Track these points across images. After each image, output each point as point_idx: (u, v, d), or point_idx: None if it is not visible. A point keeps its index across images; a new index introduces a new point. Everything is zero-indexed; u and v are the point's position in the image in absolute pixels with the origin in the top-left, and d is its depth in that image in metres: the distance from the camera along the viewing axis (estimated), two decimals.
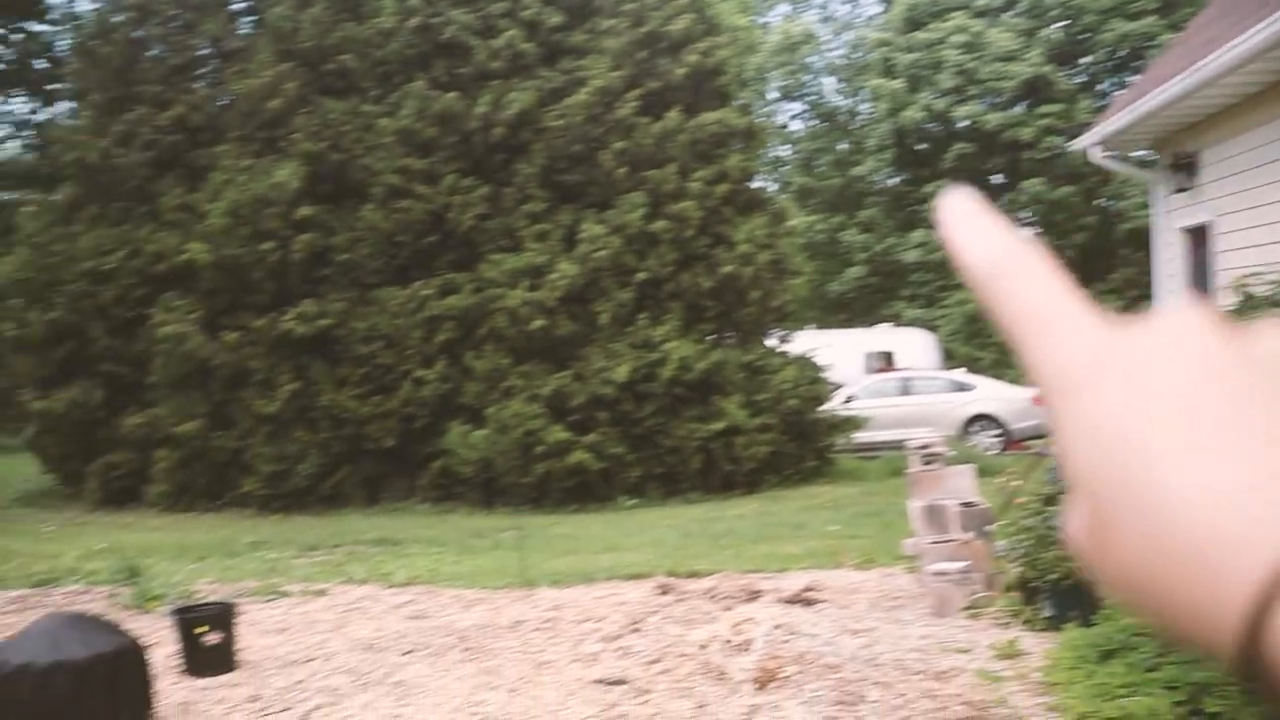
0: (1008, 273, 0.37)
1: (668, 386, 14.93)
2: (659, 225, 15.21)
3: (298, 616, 7.54)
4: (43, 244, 16.62)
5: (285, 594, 8.29)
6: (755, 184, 17.96)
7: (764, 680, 5.10)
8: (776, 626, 5.59)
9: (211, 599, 7.37)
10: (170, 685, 5.71)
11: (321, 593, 8.34)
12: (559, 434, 14.37)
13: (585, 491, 14.61)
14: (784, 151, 37.13)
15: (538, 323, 14.65)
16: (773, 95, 35.56)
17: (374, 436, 15.02)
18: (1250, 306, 4.61)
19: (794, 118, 36.90)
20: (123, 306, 15.90)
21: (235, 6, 17.69)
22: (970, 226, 0.39)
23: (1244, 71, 6.92)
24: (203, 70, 17.46)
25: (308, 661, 6.18)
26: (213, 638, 5.98)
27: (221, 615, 6.12)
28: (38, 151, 35.77)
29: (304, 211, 15.30)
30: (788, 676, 5.10)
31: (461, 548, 11.05)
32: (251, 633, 6.76)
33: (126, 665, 5.09)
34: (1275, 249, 6.96)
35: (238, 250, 15.11)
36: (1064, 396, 0.35)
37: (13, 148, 37.99)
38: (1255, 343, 0.34)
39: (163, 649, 5.98)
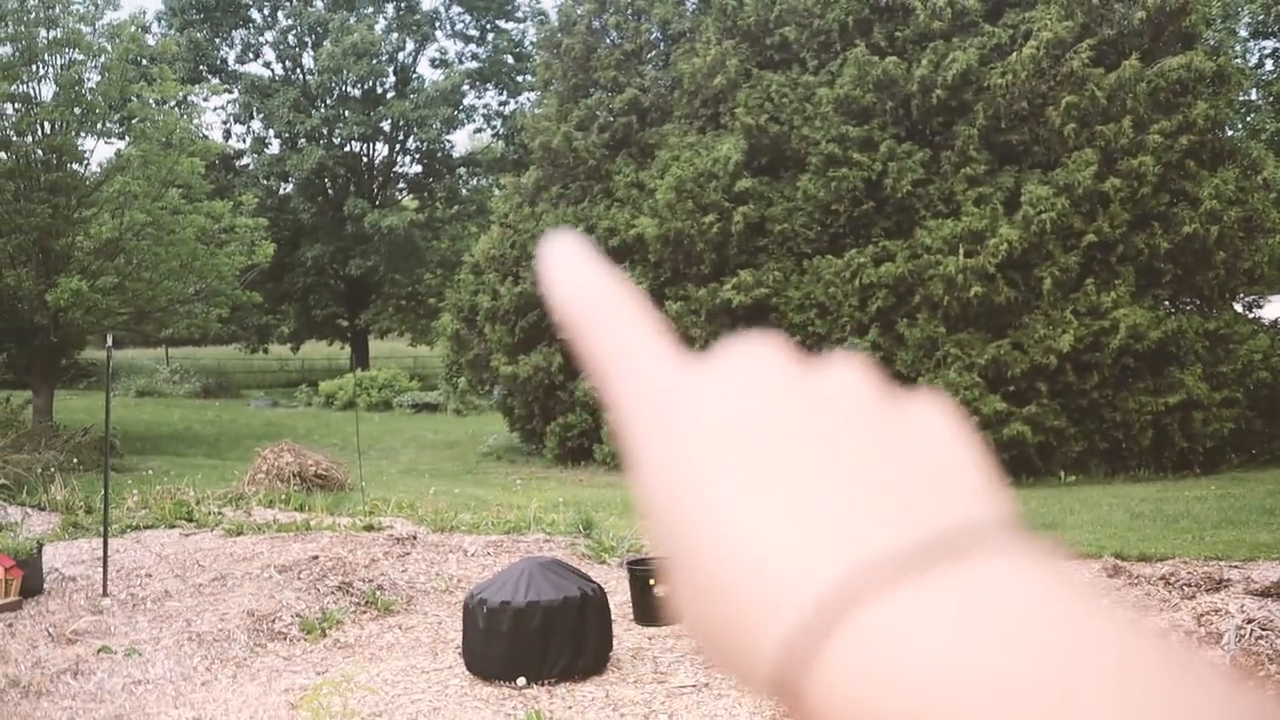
0: (594, 313, 0.37)
1: (1116, 356, 13.96)
2: (1110, 184, 14.20)
3: None
4: (512, 223, 18.45)
5: None
6: (1224, 134, 16.24)
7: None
8: (1249, 621, 5.11)
9: (658, 554, 7.89)
10: (623, 631, 6.21)
11: None
12: (995, 405, 13.89)
13: (1022, 465, 14.03)
14: (1253, 95, 33.20)
15: (975, 290, 14.20)
16: (1243, 34, 31.87)
17: None
18: None
19: (1267, 56, 32.88)
20: None
21: None
22: (565, 267, 0.37)
23: None
24: (652, 54, 18.50)
25: None
26: (661, 590, 6.41)
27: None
28: (506, 140, 39.60)
29: (744, 184, 15.82)
30: (1266, 676, 4.67)
31: None
32: None
33: (590, 609, 5.60)
34: None
35: (682, 224, 15.91)
36: (637, 436, 0.34)
37: (485, 137, 42.26)
38: (823, 377, 0.33)
39: (617, 597, 6.49)
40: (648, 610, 6.45)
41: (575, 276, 0.38)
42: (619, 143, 17.95)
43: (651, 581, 6.41)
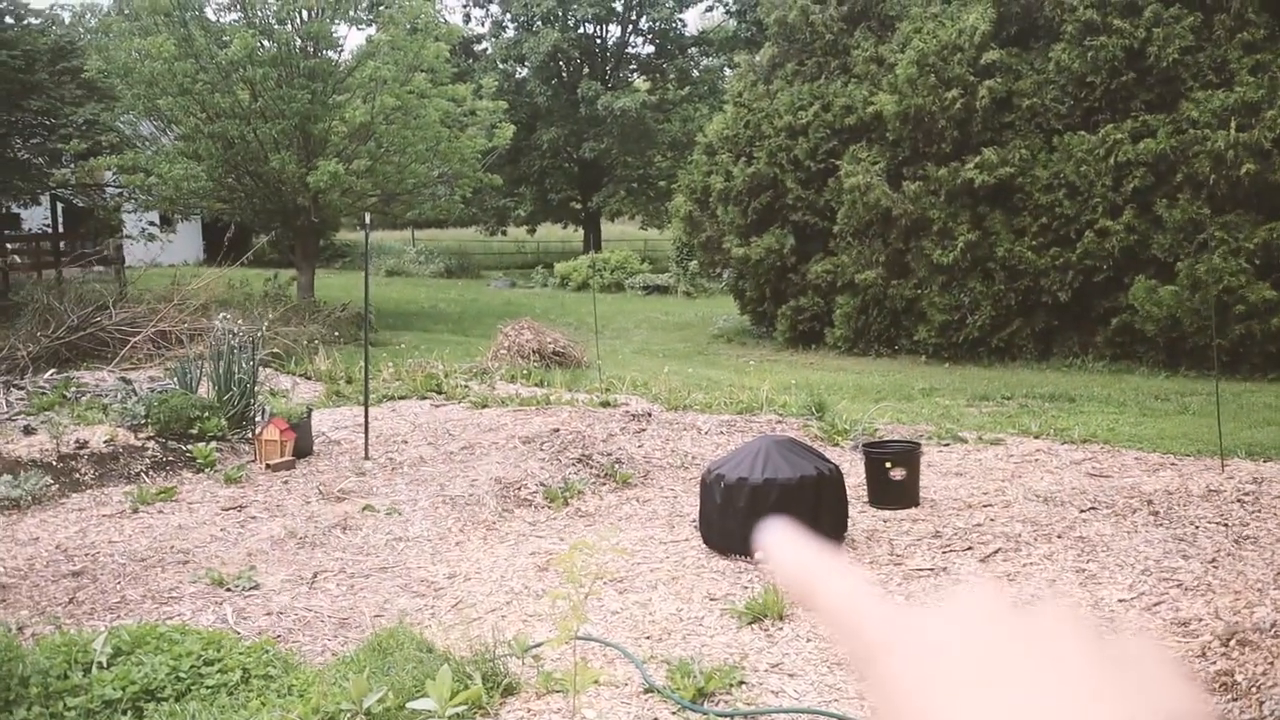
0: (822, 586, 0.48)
1: None
2: None
3: (973, 463, 7.72)
4: (746, 102, 18.17)
5: (961, 440, 8.51)
6: None
7: None
8: None
9: (892, 438, 7.80)
10: (857, 513, 6.20)
11: (996, 441, 8.44)
12: (1264, 293, 12.85)
13: None
14: None
15: (1248, 167, 13.05)
16: None
17: (1050, 289, 14.60)
18: None
19: None
20: (814, 159, 16.91)
21: None
22: (793, 562, 0.49)
23: None
24: None
25: (985, 506, 6.33)
26: (898, 474, 6.36)
27: (907, 454, 6.47)
28: (739, 17, 38.81)
29: (990, 56, 14.99)
30: None
31: (1141, 409, 10.49)
32: (930, 473, 7.07)
33: (826, 488, 5.61)
34: None
35: (923, 100, 15.26)
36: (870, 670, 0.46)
37: (716, 16, 41.52)
38: (1030, 624, 0.44)
39: (851, 479, 6.46)
40: (883, 493, 6.41)
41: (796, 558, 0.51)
42: (858, 15, 17.29)
43: (888, 465, 6.34)
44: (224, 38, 17.69)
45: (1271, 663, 3.78)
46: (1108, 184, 14.15)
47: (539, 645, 4.32)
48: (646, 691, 4.00)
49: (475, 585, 5.33)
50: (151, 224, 21.41)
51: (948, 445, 8.35)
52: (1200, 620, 4.17)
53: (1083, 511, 6.06)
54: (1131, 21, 14.13)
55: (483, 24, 41.77)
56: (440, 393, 10.55)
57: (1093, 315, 14.58)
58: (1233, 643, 3.93)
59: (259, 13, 18.49)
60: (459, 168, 20.37)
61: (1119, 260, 14.11)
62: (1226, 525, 5.67)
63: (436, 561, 5.70)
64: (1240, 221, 13.33)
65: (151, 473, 7.30)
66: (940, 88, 15.19)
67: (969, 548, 5.52)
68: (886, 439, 7.71)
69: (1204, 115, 13.51)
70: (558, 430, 8.18)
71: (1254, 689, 3.64)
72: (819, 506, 5.55)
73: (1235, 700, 3.60)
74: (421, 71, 18.64)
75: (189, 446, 7.64)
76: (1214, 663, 3.82)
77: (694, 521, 6.04)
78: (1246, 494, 6.34)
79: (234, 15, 19.01)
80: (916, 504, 6.40)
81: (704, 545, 5.75)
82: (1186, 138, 13.58)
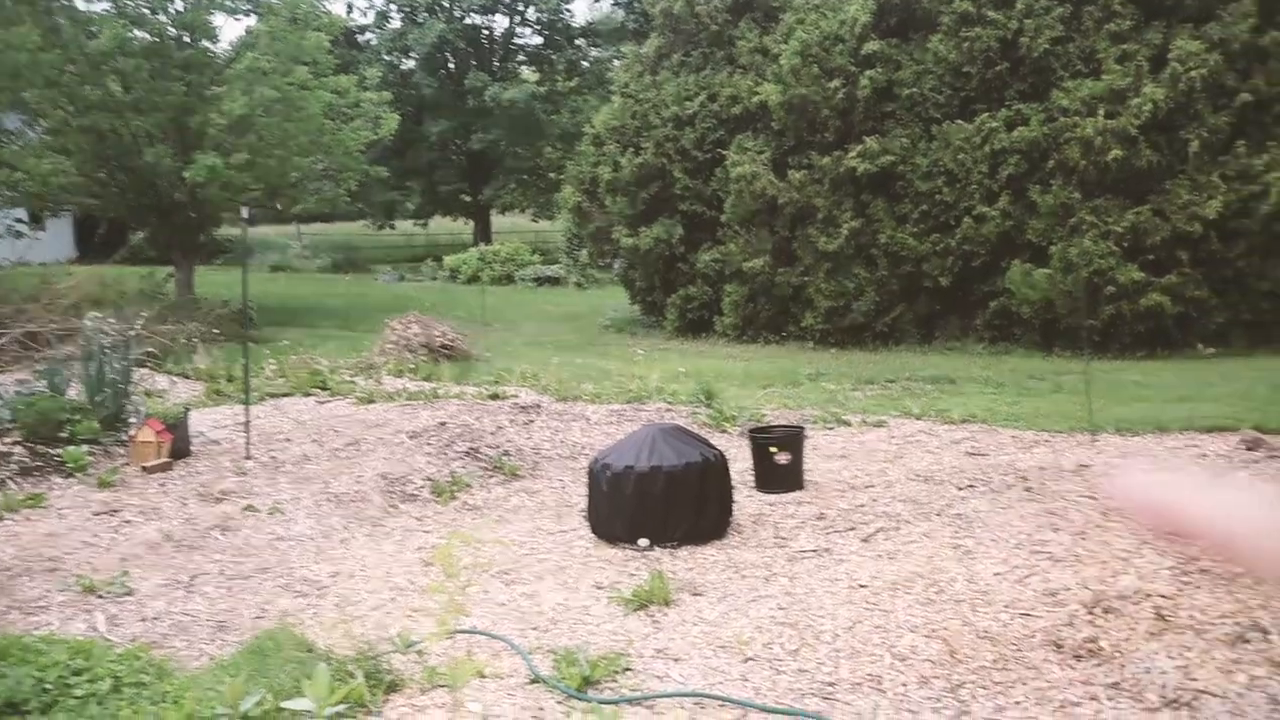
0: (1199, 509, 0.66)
1: (1266, 223, 13.23)
2: (1271, 37, 13.27)
3: (857, 445, 7.87)
4: (633, 93, 18.20)
5: (845, 423, 8.67)
6: None
7: None
8: None
9: (779, 423, 7.90)
10: (744, 497, 6.26)
11: (880, 424, 8.62)
12: (1132, 274, 13.36)
13: (1158, 337, 13.55)
14: None
15: (1115, 153, 13.54)
16: None
17: (931, 274, 14.96)
18: None
19: None
20: (701, 149, 17.03)
21: None
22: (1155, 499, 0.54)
23: None
24: None
25: (868, 487, 6.46)
26: (783, 458, 6.44)
27: (791, 438, 6.56)
28: (626, 8, 38.85)
29: (871, 47, 15.26)
30: None
31: (1019, 389, 10.82)
32: (815, 456, 7.18)
33: (712, 475, 5.65)
34: None
35: (806, 90, 15.47)
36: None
37: (605, 6, 41.51)
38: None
39: (737, 464, 6.53)
40: (769, 477, 6.49)
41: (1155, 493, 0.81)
42: (742, 6, 17.45)
43: (772, 450, 6.42)
44: (92, 28, 17.05)
45: (1134, 628, 3.93)
46: (984, 171, 14.54)
47: (421, 641, 4.27)
48: (533, 682, 3.98)
49: (360, 583, 5.24)
50: (19, 220, 20.55)
51: (833, 429, 8.49)
52: (1068, 590, 4.31)
53: (960, 489, 6.21)
54: (1005, 13, 14.54)
55: (366, 14, 41.05)
56: (325, 389, 10.35)
57: (973, 299, 14.98)
58: (1098, 610, 4.07)
59: (130, 1, 17.86)
60: (344, 161, 20.00)
61: (996, 245, 14.52)
62: (1095, 498, 5.87)
63: (320, 560, 5.59)
64: (1109, 206, 13.82)
65: (18, 479, 7.01)
66: (823, 78, 15.43)
67: (851, 528, 5.62)
68: (773, 424, 7.81)
69: (1074, 103, 13.97)
70: (445, 424, 8.09)
71: (1117, 654, 3.78)
72: (705, 492, 5.60)
73: (1100, 665, 3.73)
74: (303, 63, 18.25)
75: (58, 451, 7.36)
76: (1080, 630, 3.96)
77: (583, 511, 6.04)
78: (1115, 467, 6.57)
79: (104, 4, 18.35)
80: (802, 487, 6.50)
81: (592, 535, 5.76)
82: (1058, 125, 14.03)
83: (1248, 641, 3.75)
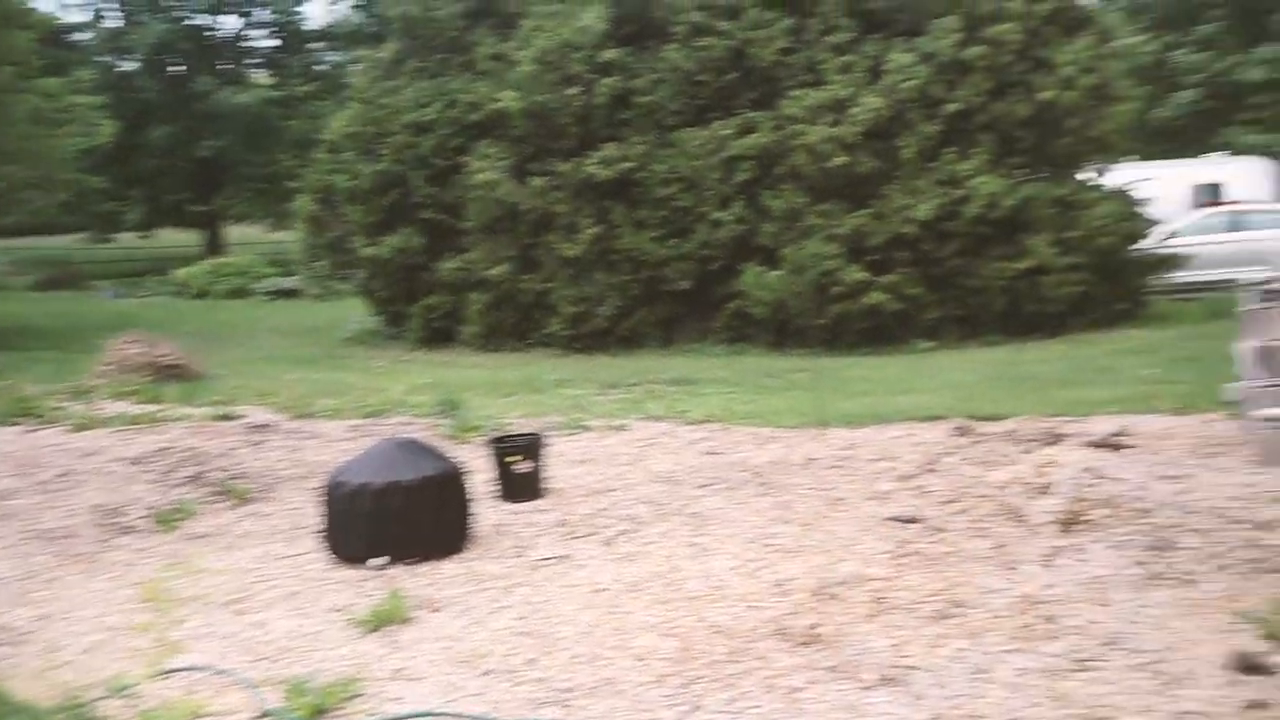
0: None
1: (972, 225, 14.29)
2: (973, 52, 14.34)
3: (600, 449, 7.94)
4: (371, 99, 17.75)
5: (588, 428, 8.74)
6: (1080, 1, 16.50)
7: (1068, 522, 4.93)
8: (1084, 470, 5.35)
9: (521, 431, 7.87)
10: (486, 508, 6.19)
11: (621, 428, 8.73)
12: (856, 274, 14.13)
13: (880, 334, 14.39)
14: None
15: (838, 160, 14.29)
16: None
17: (671, 278, 15.32)
18: None
19: None
20: (441, 155, 16.80)
21: None
22: None
23: None
24: None
25: (610, 491, 6.52)
26: (524, 466, 6.42)
27: (531, 446, 6.54)
28: (364, 10, 37.94)
29: (608, 54, 15.49)
30: (1093, 520, 4.90)
31: (755, 388, 11.22)
32: (558, 463, 7.19)
33: (450, 488, 5.56)
34: None
35: (545, 96, 15.53)
36: None
37: (342, 9, 40.41)
38: None
39: (479, 475, 6.46)
40: (511, 487, 6.45)
41: None
42: (479, 12, 17.34)
43: (509, 460, 6.39)
44: None
45: (853, 611, 4.13)
46: (719, 177, 15.03)
47: (135, 684, 3.98)
48: (262, 716, 3.79)
49: (70, 625, 4.85)
50: None
51: (576, 434, 8.54)
52: (794, 579, 4.49)
53: (698, 488, 6.37)
54: (735, 24, 15.08)
55: (79, 13, 38.33)
56: (34, 416, 9.55)
57: (711, 302, 15.44)
58: (821, 597, 4.25)
59: None
60: (54, 169, 18.59)
61: (732, 249, 15.03)
62: (822, 490, 6.15)
63: (22, 604, 5.13)
64: (835, 210, 14.58)
65: None
66: (561, 85, 15.53)
67: (593, 533, 5.65)
68: (515, 433, 7.77)
69: (801, 111, 14.65)
70: (168, 448, 7.62)
71: (838, 637, 3.96)
72: (443, 505, 5.50)
73: (822, 650, 3.89)
74: (8, 64, 16.83)
75: None
76: (805, 618, 4.13)
77: (318, 533, 5.81)
78: (841, 459, 6.91)
79: None
80: (543, 495, 6.49)
81: (329, 556, 5.55)
82: (786, 133, 14.67)
83: (950, 617, 4.01)
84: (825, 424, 8.36)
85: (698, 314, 15.63)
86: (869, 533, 5.28)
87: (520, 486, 6.41)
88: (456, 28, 17.30)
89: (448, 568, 5.30)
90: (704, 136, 15.12)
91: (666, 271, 15.32)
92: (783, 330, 14.74)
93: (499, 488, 6.50)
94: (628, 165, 15.35)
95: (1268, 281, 7.18)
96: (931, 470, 6.26)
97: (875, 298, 14.10)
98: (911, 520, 5.35)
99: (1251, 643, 3.74)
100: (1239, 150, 23.27)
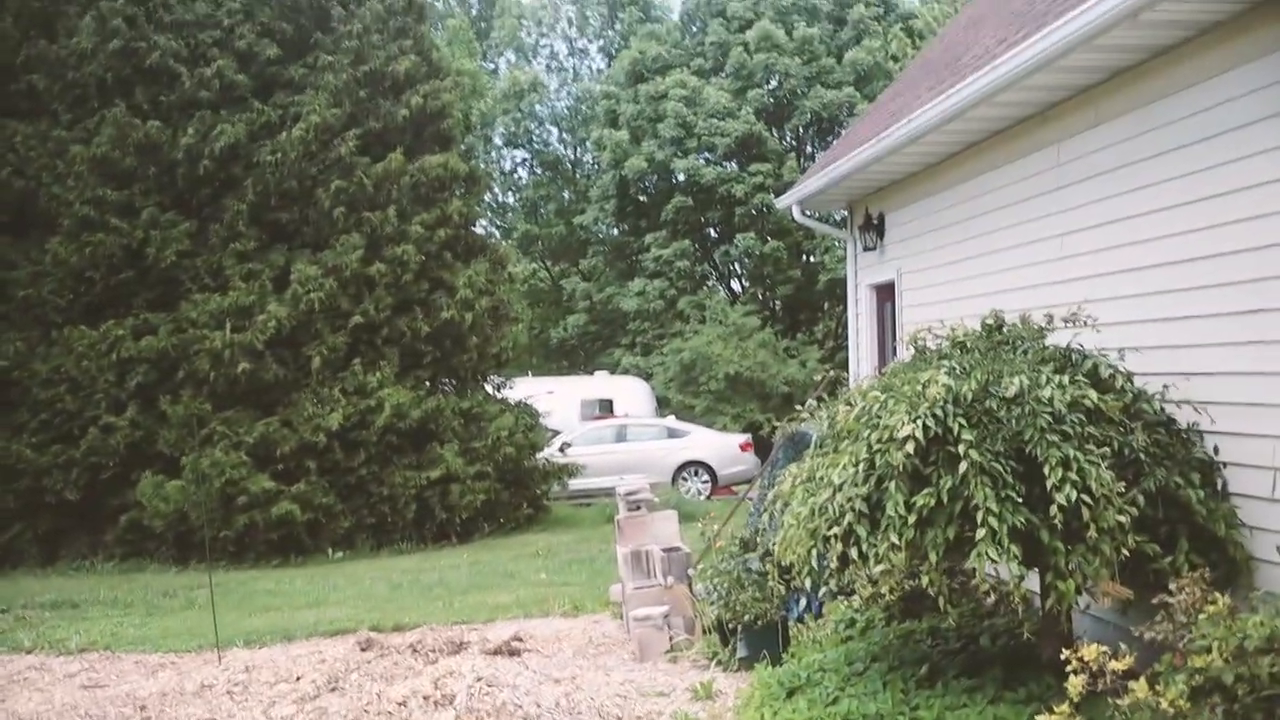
0: None
1: (381, 434, 14.55)
2: (376, 268, 14.88)
3: None
4: None
5: None
6: (477, 230, 17.93)
7: None
8: (479, 679, 5.48)
9: None
10: None
11: None
12: (263, 483, 13.69)
13: (291, 544, 13.97)
14: (509, 198, 37.26)
15: (243, 366, 13.96)
16: (498, 141, 35.68)
17: (54, 488, 13.81)
18: (924, 360, 4.96)
19: (520, 164, 37.16)
20: None
21: None
22: None
23: (922, 142, 7.48)
24: None
25: None
26: None
27: None
28: None
29: None
30: None
31: (149, 608, 10.32)
32: None
33: None
34: (943, 307, 7.55)
35: None
36: None
37: None
38: None
39: None
40: None
41: None
42: None
43: None
44: None
45: None
46: (111, 379, 14.02)
47: None
48: None
49: None
50: None
51: None
52: None
53: None
54: (130, 221, 14.39)
55: None
56: None
57: (103, 513, 14.10)
58: None
59: None
60: None
61: (126, 456, 13.94)
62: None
63: None
64: (240, 417, 14.13)
65: None
66: None
67: None
68: None
69: (203, 316, 14.20)
70: None
71: None
72: None
73: None
74: None
75: None
76: None
77: None
78: (237, 684, 6.48)
79: None
80: None
81: None
82: (187, 336, 14.10)
83: None
84: (226, 644, 7.84)
85: (87, 527, 14.16)
86: None
87: None
88: None
89: None
90: (94, 336, 14.08)
91: (49, 481, 13.80)
92: (184, 543, 13.77)
93: None
94: (3, 364, 13.81)
95: (632, 492, 8.04)
96: (334, 689, 6.07)
97: (284, 507, 13.70)
98: None
99: None
100: (621, 369, 26.24)
